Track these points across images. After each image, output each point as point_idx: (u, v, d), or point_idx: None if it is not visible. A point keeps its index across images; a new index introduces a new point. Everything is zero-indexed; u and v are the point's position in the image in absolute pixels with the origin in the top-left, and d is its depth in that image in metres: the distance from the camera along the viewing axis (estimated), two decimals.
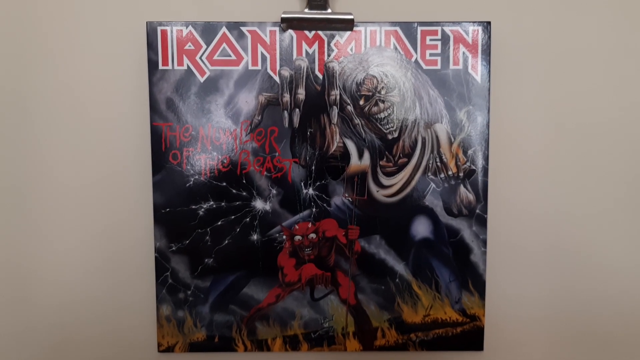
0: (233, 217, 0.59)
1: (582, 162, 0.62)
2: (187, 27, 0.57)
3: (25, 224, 0.61)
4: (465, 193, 0.60)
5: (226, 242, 0.59)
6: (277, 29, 0.58)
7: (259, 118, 0.58)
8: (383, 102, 0.59)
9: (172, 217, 0.59)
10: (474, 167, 0.59)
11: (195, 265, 0.60)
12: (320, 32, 0.58)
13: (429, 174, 0.59)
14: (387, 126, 0.59)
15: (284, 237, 0.60)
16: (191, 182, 0.59)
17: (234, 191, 0.59)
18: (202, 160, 0.59)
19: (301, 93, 0.58)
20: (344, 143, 0.59)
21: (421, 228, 0.60)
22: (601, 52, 0.60)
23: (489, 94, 0.58)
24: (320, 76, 0.58)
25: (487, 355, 0.63)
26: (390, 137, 0.59)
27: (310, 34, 0.58)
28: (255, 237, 0.59)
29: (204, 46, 0.58)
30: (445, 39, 0.58)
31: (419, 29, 0.58)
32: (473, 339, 0.61)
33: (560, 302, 0.63)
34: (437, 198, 0.59)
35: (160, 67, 0.57)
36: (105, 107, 0.60)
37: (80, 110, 0.60)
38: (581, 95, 0.61)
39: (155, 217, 0.59)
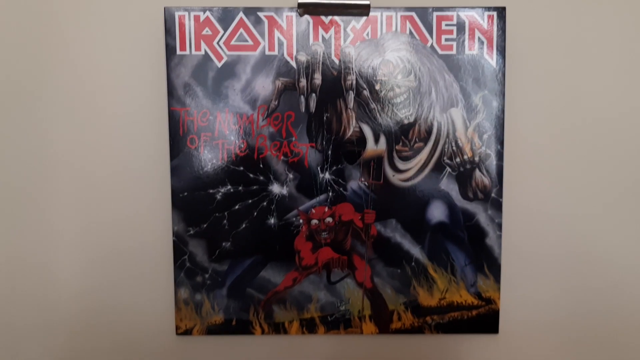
0: (250, 201, 0.60)
1: (597, 146, 0.62)
2: (204, 13, 0.58)
3: (46, 208, 0.61)
4: (480, 177, 0.60)
5: (243, 226, 0.60)
6: (293, 14, 0.58)
7: (276, 103, 0.59)
8: (399, 87, 0.59)
9: (190, 201, 0.59)
10: (489, 152, 0.60)
11: (212, 249, 0.60)
12: (336, 18, 0.58)
13: (445, 158, 0.60)
14: (403, 111, 0.59)
15: (301, 221, 0.60)
16: (208, 167, 0.59)
17: (251, 175, 0.59)
18: (220, 145, 0.59)
19: (317, 78, 0.59)
20: (360, 127, 0.59)
21: (437, 212, 0.60)
22: (619, 36, 0.60)
23: (504, 78, 0.59)
24: (337, 61, 0.59)
25: (502, 338, 0.63)
26: (406, 121, 0.59)
27: (326, 19, 0.58)
28: (272, 221, 0.60)
29: (222, 31, 0.58)
30: (460, 25, 0.58)
31: (435, 14, 0.58)
32: (488, 322, 0.62)
33: (575, 287, 0.63)
34: (452, 182, 0.60)
35: (178, 52, 0.58)
36: (124, 92, 0.60)
37: (99, 96, 0.60)
38: (597, 80, 0.61)
39: (173, 201, 0.59)
